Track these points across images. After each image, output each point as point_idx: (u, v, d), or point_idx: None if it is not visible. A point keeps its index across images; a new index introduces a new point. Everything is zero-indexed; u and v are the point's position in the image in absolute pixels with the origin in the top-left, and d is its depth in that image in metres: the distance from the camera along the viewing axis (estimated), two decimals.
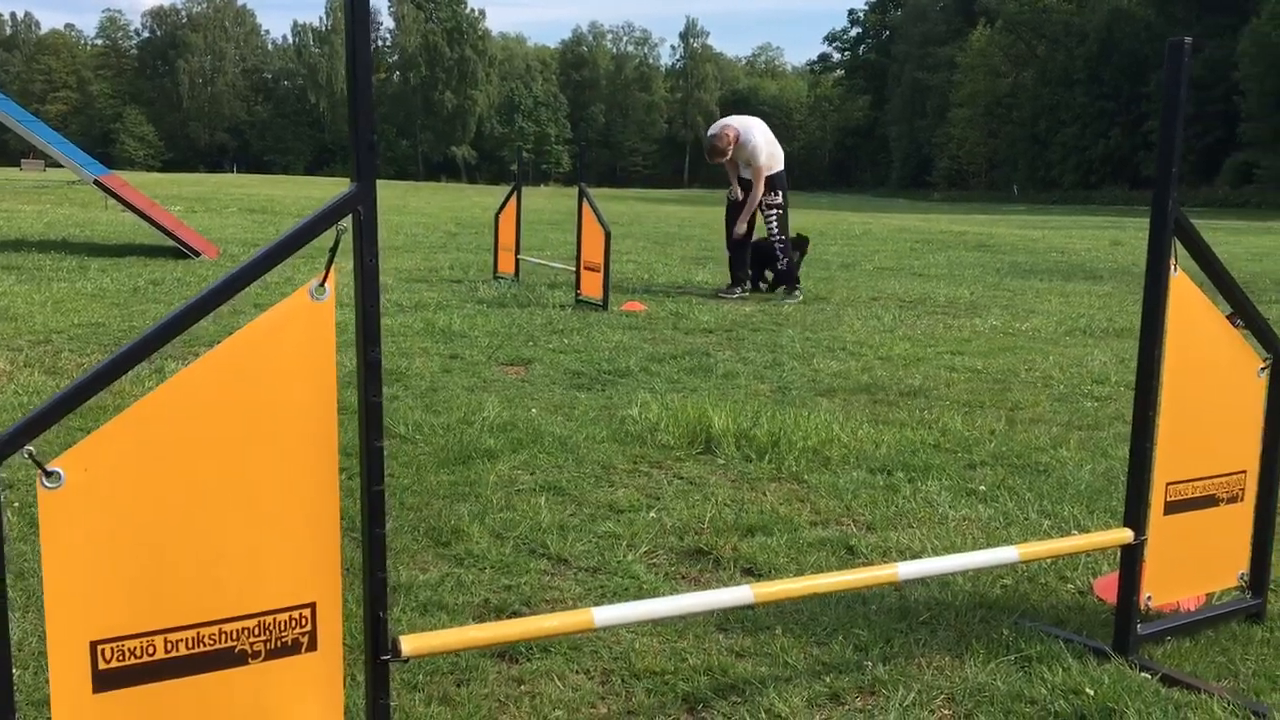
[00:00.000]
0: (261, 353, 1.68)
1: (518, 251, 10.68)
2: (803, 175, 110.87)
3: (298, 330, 1.70)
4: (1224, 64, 55.86)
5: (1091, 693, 2.31)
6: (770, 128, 10.13)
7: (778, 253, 9.87)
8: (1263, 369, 2.65)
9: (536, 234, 16.92)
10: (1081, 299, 10.46)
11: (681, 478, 4.01)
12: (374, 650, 1.79)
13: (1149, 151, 62.31)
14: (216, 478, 1.66)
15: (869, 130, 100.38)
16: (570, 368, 6.10)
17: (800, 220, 8.57)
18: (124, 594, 1.61)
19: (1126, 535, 2.47)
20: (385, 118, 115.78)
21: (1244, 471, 2.66)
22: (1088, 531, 3.41)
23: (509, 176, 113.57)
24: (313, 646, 1.76)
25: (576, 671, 2.45)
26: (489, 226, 20.00)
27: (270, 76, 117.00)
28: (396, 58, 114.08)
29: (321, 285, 1.71)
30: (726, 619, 2.73)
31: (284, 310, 1.70)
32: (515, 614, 2.76)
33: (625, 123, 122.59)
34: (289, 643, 1.74)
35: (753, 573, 3.09)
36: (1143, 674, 2.41)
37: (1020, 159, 74.16)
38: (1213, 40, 55.56)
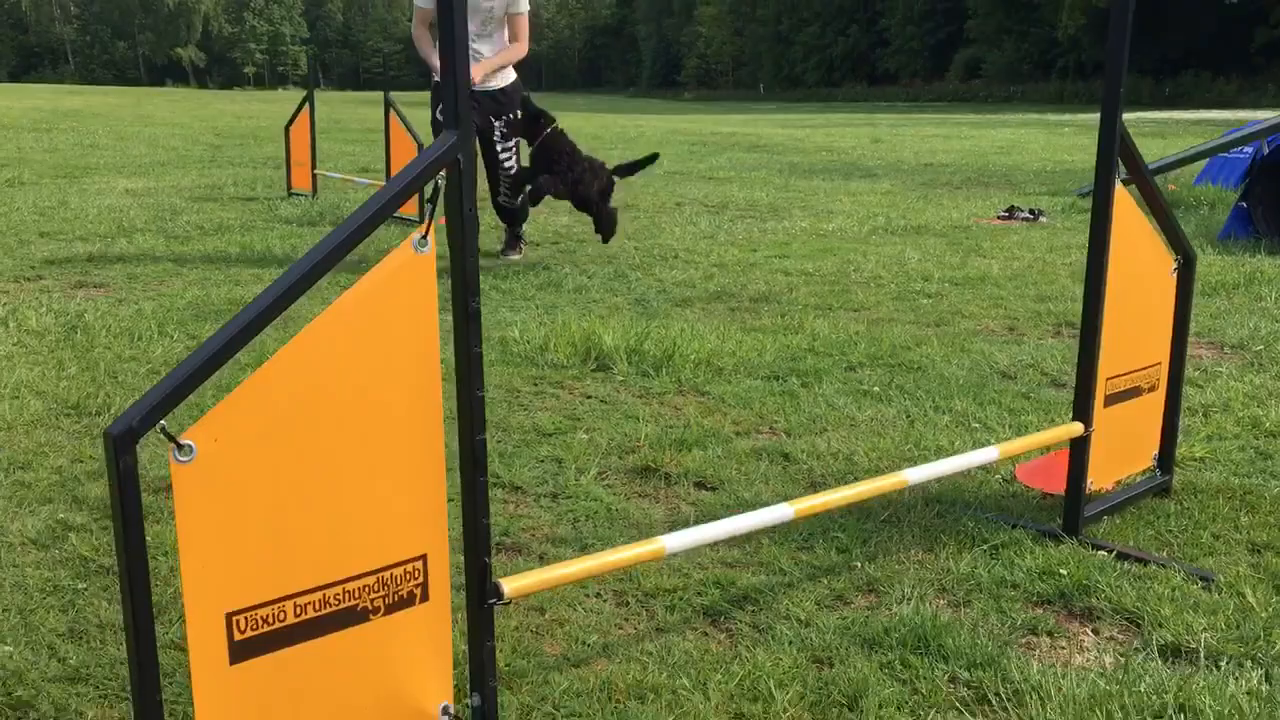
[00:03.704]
0: (371, 309, 1.63)
1: (314, 166, 10.24)
2: (553, 76, 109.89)
3: (404, 284, 1.66)
4: None
5: (1065, 573, 2.56)
6: None
7: (506, 189, 6.97)
8: (1174, 269, 2.95)
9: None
10: (868, 197, 10.99)
11: (590, 396, 4.06)
12: (480, 595, 1.80)
13: (885, 49, 65.25)
14: (334, 437, 1.61)
15: (618, 29, 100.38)
16: None
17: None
18: (254, 562, 1.55)
19: (1078, 428, 2.72)
20: (98, 17, 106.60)
21: (1159, 363, 2.97)
22: (987, 424, 3.71)
23: (243, 80, 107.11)
24: (425, 597, 1.75)
25: (588, 596, 2.51)
26: (254, 137, 18.94)
27: None
28: None
29: (424, 238, 1.67)
30: None
31: (390, 265, 1.65)
32: (499, 544, 2.77)
33: (365, 21, 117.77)
34: (405, 595, 1.72)
35: (704, 486, 3.20)
36: (1099, 552, 2.68)
37: (766, 57, 76.13)
38: None
